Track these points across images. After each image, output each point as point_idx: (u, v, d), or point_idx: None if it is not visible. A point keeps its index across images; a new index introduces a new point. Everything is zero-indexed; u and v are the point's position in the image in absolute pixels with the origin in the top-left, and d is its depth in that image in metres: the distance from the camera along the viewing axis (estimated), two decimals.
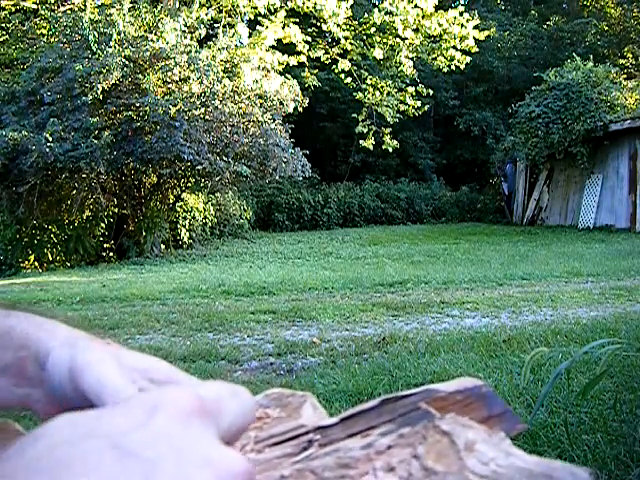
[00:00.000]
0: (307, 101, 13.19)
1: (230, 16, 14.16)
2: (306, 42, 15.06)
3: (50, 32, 11.66)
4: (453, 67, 15.70)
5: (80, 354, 0.38)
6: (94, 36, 10.41)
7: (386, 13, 14.81)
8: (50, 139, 9.71)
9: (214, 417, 0.30)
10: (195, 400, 0.30)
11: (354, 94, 16.55)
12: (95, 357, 0.38)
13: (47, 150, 9.61)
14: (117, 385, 0.36)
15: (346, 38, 15.85)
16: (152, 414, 0.28)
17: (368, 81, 16.38)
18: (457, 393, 0.35)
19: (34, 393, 0.40)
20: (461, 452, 0.29)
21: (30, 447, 0.25)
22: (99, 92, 10.06)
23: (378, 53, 15.34)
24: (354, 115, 16.62)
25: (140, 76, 10.65)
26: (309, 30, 15.55)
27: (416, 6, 14.51)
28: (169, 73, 10.92)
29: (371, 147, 16.26)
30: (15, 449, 0.26)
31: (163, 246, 12.74)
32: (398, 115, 16.19)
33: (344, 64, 15.60)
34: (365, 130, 16.13)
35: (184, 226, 13.54)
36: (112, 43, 10.41)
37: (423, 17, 14.74)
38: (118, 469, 0.24)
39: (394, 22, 14.73)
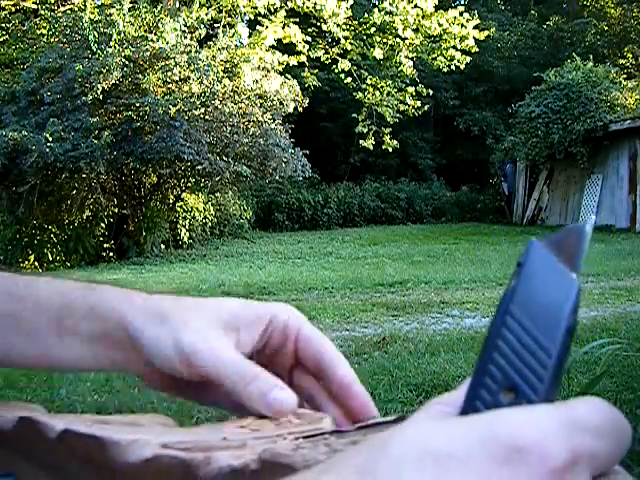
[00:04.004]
0: (307, 101, 13.18)
1: (230, 16, 14.16)
2: (306, 42, 15.05)
3: (50, 32, 11.66)
4: (453, 67, 15.69)
5: (185, 336, 0.41)
6: (94, 36, 10.41)
7: (386, 13, 14.80)
8: (50, 139, 9.71)
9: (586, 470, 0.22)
10: (562, 449, 0.22)
11: (354, 94, 16.53)
12: (201, 339, 0.41)
13: (47, 150, 9.60)
14: (239, 369, 0.40)
15: (346, 38, 15.83)
16: (504, 462, 0.22)
17: (368, 81, 16.37)
18: None
19: (128, 358, 0.43)
20: None
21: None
22: (99, 92, 10.05)
23: (378, 53, 15.33)
24: (354, 115, 16.60)
25: (140, 76, 10.65)
26: (309, 30, 15.53)
27: (416, 6, 14.51)
28: (169, 73, 10.92)
29: (371, 147, 16.24)
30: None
31: (163, 246, 12.73)
32: (398, 115, 16.18)
33: (344, 64, 15.58)
34: (365, 130, 16.11)
35: (184, 226, 13.53)
36: (112, 43, 10.41)
37: (423, 17, 14.73)
38: None
39: (394, 22, 14.73)
